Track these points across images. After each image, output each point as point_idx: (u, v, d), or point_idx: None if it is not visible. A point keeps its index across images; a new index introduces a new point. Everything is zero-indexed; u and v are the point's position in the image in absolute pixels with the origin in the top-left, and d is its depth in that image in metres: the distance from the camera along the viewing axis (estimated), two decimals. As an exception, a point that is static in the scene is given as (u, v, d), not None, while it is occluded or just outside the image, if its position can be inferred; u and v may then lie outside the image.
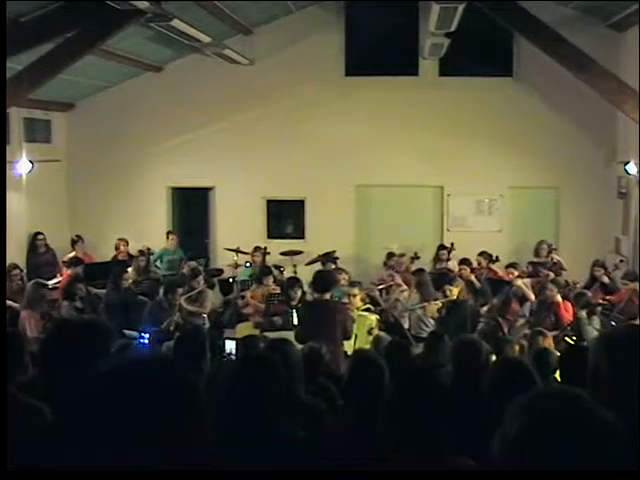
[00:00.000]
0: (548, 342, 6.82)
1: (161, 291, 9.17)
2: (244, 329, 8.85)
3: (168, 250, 12.22)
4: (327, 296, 7.48)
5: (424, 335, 8.16)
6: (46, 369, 2.85)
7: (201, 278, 9.80)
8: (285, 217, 13.63)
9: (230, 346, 6.72)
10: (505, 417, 1.57)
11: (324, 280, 7.65)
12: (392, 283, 10.15)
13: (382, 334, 8.57)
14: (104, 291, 9.75)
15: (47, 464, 1.67)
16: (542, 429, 1.49)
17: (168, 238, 12.34)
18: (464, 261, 10.69)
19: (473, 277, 10.40)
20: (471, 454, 2.46)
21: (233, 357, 6.51)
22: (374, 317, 9.17)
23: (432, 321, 9.27)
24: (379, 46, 12.68)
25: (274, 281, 10.20)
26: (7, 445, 2.17)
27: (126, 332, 7.54)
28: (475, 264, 10.94)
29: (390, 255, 11.44)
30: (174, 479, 1.39)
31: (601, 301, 9.33)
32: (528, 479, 1.46)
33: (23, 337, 4.11)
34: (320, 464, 2.78)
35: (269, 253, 11.75)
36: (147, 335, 7.48)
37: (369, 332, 8.70)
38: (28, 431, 2.41)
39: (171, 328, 8.60)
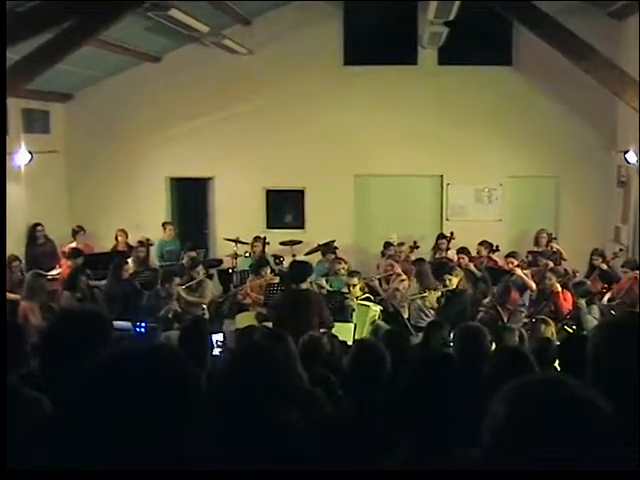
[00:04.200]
0: (550, 330, 6.82)
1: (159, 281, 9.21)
2: (244, 319, 8.85)
3: (166, 241, 12.25)
4: (303, 286, 7.42)
5: (424, 325, 8.16)
6: (47, 360, 2.85)
7: (200, 268, 9.82)
8: (284, 207, 13.61)
9: (217, 338, 6.65)
10: (489, 408, 1.57)
11: (300, 270, 7.60)
12: (392, 273, 10.16)
13: (381, 323, 8.60)
14: (102, 282, 9.76)
15: (47, 460, 1.67)
16: (526, 417, 1.49)
17: (165, 229, 12.37)
18: (462, 250, 10.70)
19: (472, 266, 10.40)
20: (471, 444, 2.46)
21: (221, 349, 6.47)
22: (378, 308, 9.18)
23: (432, 311, 9.28)
24: (378, 35, 12.61)
25: (272, 271, 10.22)
26: (7, 445, 2.17)
27: (116, 323, 7.41)
28: (475, 253, 10.95)
29: (388, 245, 11.44)
30: (174, 479, 1.39)
31: (600, 290, 9.36)
32: (527, 479, 1.46)
33: (23, 328, 4.12)
34: (321, 455, 2.79)
35: (269, 243, 11.74)
36: (143, 325, 7.43)
37: (372, 323, 8.71)
38: (29, 423, 2.41)
39: (170, 315, 8.64)
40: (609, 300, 9.18)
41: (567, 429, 1.45)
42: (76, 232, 12.03)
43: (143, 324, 7.46)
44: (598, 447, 1.44)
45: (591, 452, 1.43)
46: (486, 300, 9.58)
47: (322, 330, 7.11)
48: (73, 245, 11.41)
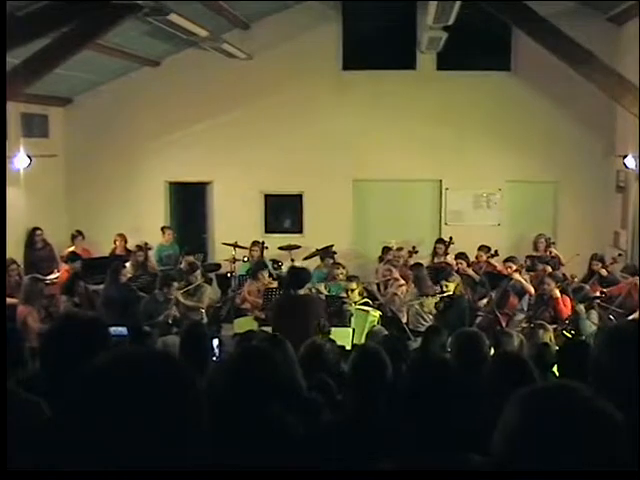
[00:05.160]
0: (549, 336, 6.81)
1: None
2: (244, 323, 8.84)
3: (164, 246, 12.24)
4: (301, 291, 7.41)
5: (422, 330, 8.16)
6: (47, 364, 2.84)
7: (199, 272, 9.80)
8: (283, 212, 13.61)
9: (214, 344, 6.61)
10: (504, 411, 1.56)
11: (298, 277, 7.58)
12: (390, 277, 10.16)
13: (379, 328, 8.59)
14: (100, 287, 9.74)
15: (46, 463, 1.66)
16: (542, 423, 1.48)
17: (164, 233, 12.37)
18: (460, 255, 10.68)
19: (471, 270, 10.39)
20: (470, 449, 2.45)
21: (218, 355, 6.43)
22: (377, 313, 9.17)
23: (430, 316, 9.28)
24: (376, 40, 12.62)
25: (270, 275, 10.21)
26: (7, 445, 2.16)
27: (113, 328, 7.34)
28: (474, 258, 10.94)
29: (386, 249, 11.44)
30: (174, 479, 1.38)
31: (598, 294, 9.34)
32: (529, 479, 1.45)
33: (21, 332, 4.11)
34: (321, 461, 2.78)
35: (267, 248, 11.74)
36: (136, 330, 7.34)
37: (371, 328, 8.70)
38: (28, 427, 2.40)
39: (169, 321, 8.61)
40: (606, 301, 9.15)
41: (577, 436, 1.45)
42: (75, 237, 12.04)
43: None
44: (609, 453, 1.44)
45: (600, 458, 1.43)
46: (482, 302, 9.58)
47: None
48: (72, 249, 11.40)
